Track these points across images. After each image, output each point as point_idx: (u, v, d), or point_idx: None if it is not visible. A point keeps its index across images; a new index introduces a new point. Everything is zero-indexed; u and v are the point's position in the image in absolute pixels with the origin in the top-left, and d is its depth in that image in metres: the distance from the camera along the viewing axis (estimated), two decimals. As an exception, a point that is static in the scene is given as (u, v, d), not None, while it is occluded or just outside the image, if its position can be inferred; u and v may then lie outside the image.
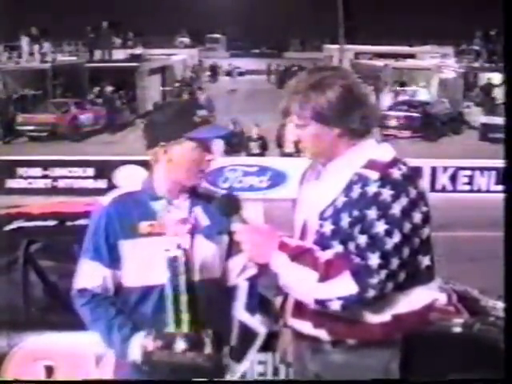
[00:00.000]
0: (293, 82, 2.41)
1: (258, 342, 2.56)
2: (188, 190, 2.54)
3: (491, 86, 27.31)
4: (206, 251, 2.53)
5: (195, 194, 2.56)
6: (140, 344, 2.38)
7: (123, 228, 2.46)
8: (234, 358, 2.52)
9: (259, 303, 2.69)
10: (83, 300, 2.49)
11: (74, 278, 2.57)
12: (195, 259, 2.49)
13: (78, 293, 2.51)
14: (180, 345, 2.33)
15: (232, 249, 2.59)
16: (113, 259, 2.48)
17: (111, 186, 13.01)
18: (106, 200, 2.53)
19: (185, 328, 2.34)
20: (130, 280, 2.49)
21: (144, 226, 2.46)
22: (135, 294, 2.49)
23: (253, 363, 3.44)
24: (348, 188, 2.30)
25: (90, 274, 2.49)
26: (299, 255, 2.26)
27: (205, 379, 2.48)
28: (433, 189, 13.36)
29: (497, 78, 26.96)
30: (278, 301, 2.59)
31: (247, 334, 2.55)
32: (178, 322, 2.33)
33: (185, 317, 2.33)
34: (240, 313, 2.56)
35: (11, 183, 13.85)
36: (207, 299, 2.46)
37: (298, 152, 13.76)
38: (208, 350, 2.34)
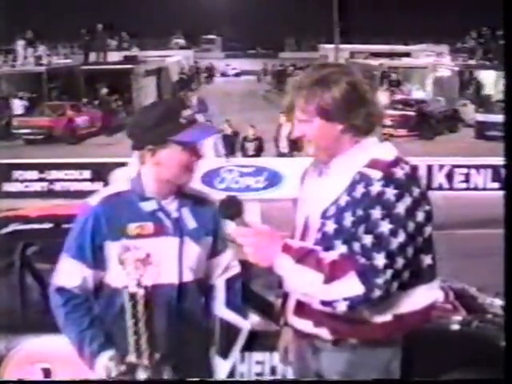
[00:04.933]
0: (298, 78, 2.40)
1: (243, 337, 2.57)
2: (176, 190, 2.51)
3: (486, 83, 27.33)
4: (193, 254, 2.51)
5: (182, 195, 2.53)
6: (104, 365, 2.35)
7: (111, 230, 2.42)
8: (221, 355, 2.52)
9: (259, 304, 2.70)
10: (60, 300, 2.45)
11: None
12: (183, 263, 2.48)
13: (55, 291, 2.47)
14: (141, 374, 2.30)
15: (215, 248, 2.60)
16: (96, 260, 2.44)
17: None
18: (93, 200, 2.50)
19: (145, 360, 2.21)
20: (117, 281, 2.41)
21: (133, 228, 2.43)
22: (121, 295, 2.45)
23: (251, 363, 3.44)
24: (351, 187, 2.28)
25: (70, 273, 2.46)
26: (303, 257, 2.23)
27: (204, 379, 2.48)
28: (429, 187, 13.34)
29: (492, 75, 26.99)
30: (279, 300, 2.58)
31: (231, 331, 2.55)
32: (138, 353, 2.20)
33: (145, 349, 2.20)
34: (221, 310, 2.56)
35: (7, 186, 13.81)
36: (189, 302, 2.48)
37: (292, 151, 13.81)
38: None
